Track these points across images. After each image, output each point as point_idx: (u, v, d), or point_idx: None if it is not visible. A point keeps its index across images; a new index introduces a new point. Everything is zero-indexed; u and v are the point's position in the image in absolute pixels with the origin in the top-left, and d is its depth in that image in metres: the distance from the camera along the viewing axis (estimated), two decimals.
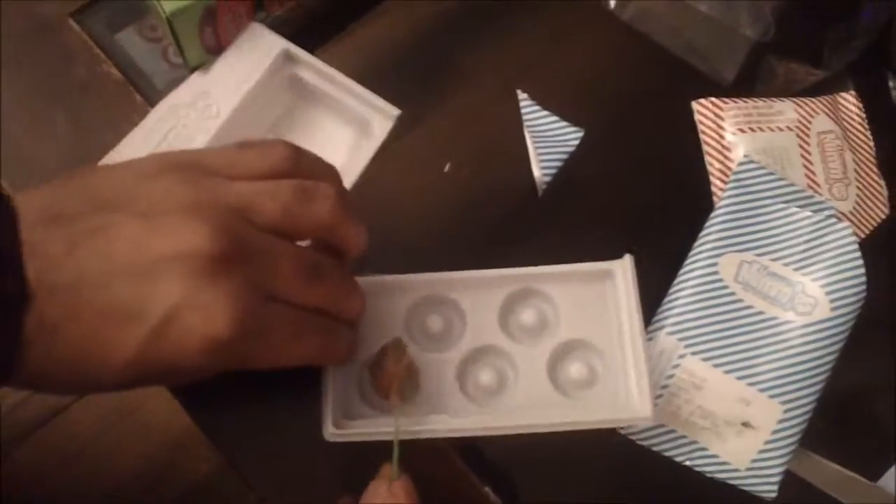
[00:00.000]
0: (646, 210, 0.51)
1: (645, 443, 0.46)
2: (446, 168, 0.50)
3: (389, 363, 0.42)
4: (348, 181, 0.46)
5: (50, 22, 0.50)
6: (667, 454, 0.46)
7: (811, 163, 0.53)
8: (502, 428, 0.41)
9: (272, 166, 0.36)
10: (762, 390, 0.46)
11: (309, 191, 0.35)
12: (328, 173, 0.38)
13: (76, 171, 0.34)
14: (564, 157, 0.51)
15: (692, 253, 0.49)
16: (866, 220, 0.53)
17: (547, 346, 0.44)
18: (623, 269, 0.44)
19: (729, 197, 0.50)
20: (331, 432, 0.40)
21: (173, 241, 0.31)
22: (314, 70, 0.46)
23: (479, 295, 0.44)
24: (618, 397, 0.43)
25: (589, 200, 0.51)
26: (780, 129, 0.53)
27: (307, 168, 0.37)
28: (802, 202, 0.50)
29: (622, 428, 0.45)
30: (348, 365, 0.42)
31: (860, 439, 0.48)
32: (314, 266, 0.36)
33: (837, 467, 0.47)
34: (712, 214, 0.50)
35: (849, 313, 0.47)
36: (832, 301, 0.47)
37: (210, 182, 0.34)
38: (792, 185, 0.50)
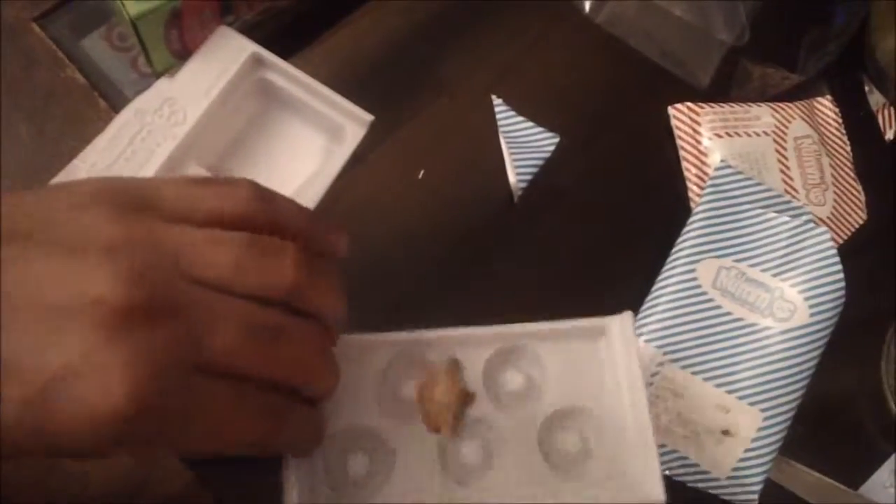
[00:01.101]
0: (623, 216, 0.50)
1: None
2: (420, 175, 0.49)
3: (440, 390, 0.36)
4: (320, 188, 0.44)
5: (12, 26, 0.49)
6: None
7: (788, 168, 0.52)
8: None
9: (231, 210, 0.30)
10: (742, 398, 0.45)
11: (269, 246, 0.29)
12: (302, 224, 0.32)
13: (2, 194, 0.28)
14: (540, 163, 0.50)
15: (670, 259, 0.48)
16: (844, 226, 0.52)
17: (537, 412, 0.38)
18: (621, 327, 0.38)
19: (706, 202, 0.49)
20: None
21: (82, 285, 0.26)
22: (285, 75, 0.45)
23: (460, 355, 0.38)
24: (620, 476, 0.37)
25: (565, 206, 0.50)
26: (757, 134, 0.53)
27: (275, 217, 0.31)
28: (780, 207, 0.49)
29: None
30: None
31: (841, 447, 0.48)
32: (270, 328, 0.29)
33: (818, 475, 0.46)
34: (690, 220, 0.49)
35: (827, 319, 0.47)
36: (811, 307, 0.47)
37: (147, 219, 0.28)
38: (769, 189, 0.50)
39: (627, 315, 0.38)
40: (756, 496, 0.45)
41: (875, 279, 0.52)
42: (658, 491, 0.36)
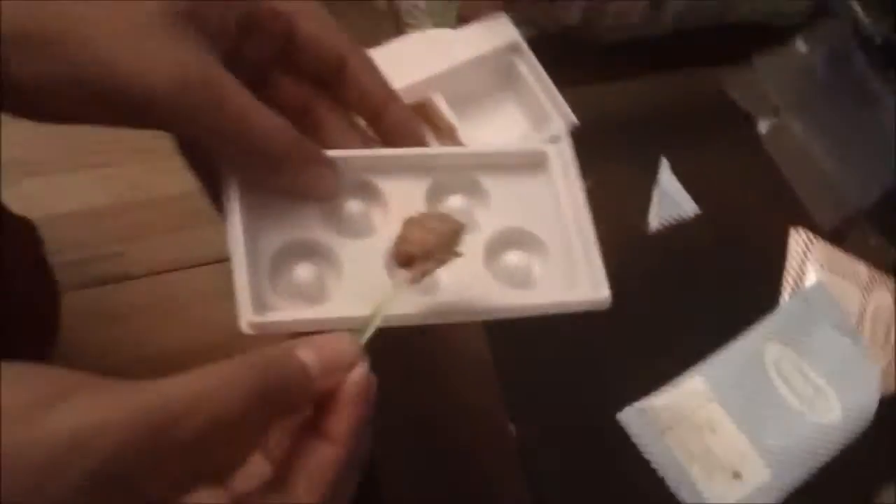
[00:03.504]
0: (727, 282, 0.61)
1: (650, 456, 0.54)
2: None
3: (432, 241, 0.35)
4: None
5: None
6: (661, 474, 0.54)
7: (864, 320, 0.62)
8: (455, 312, 0.37)
9: None
10: (760, 454, 0.54)
11: None
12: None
13: None
14: (674, 219, 0.62)
15: (750, 329, 0.58)
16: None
17: (482, 235, 0.39)
18: (560, 152, 0.41)
19: (793, 304, 0.60)
20: (249, 320, 0.34)
21: None
22: (529, 65, 0.58)
23: (401, 181, 0.39)
24: (569, 285, 0.40)
25: (676, 264, 0.61)
26: (851, 285, 0.63)
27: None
28: (848, 333, 0.59)
29: None
30: (258, 250, 0.36)
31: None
32: None
33: None
34: (777, 310, 0.59)
35: (853, 430, 0.56)
36: (844, 415, 0.56)
37: None
38: (847, 318, 0.60)
39: (564, 142, 0.41)
40: None
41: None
42: (604, 290, 0.38)
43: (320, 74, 0.39)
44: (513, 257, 0.40)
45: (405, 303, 0.36)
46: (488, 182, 0.41)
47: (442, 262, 0.36)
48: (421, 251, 0.35)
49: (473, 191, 0.41)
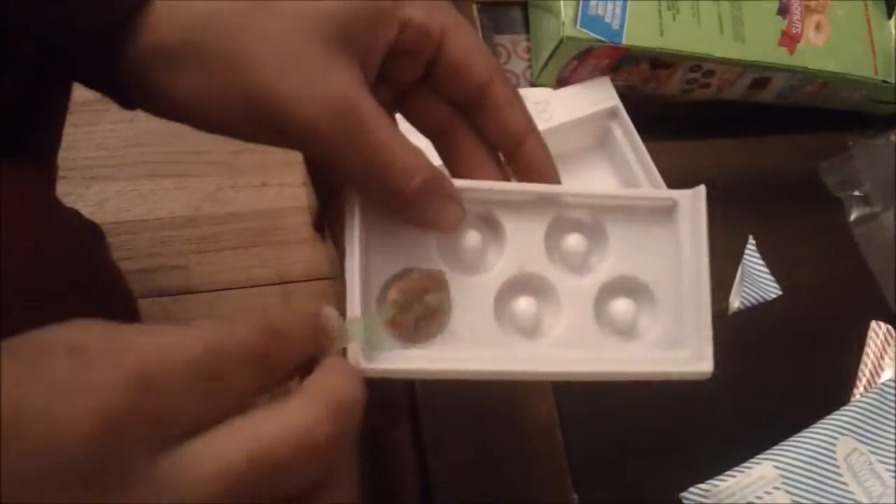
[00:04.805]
0: (801, 370, 0.60)
1: None
2: None
3: (407, 289, 0.36)
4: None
5: None
6: None
7: None
8: (542, 374, 0.38)
9: None
10: None
11: None
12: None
13: None
14: (756, 300, 0.61)
15: (823, 422, 0.57)
16: None
17: (596, 278, 0.39)
18: (693, 201, 0.39)
19: (867, 399, 0.59)
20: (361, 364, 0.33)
21: None
22: (626, 131, 0.58)
23: (523, 216, 0.38)
24: (672, 347, 0.38)
25: (765, 345, 0.60)
26: None
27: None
28: None
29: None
30: (370, 273, 0.36)
31: None
32: None
33: None
34: (851, 403, 0.58)
35: None
36: None
37: None
38: None
39: (700, 189, 0.38)
40: None
41: None
42: (707, 364, 0.37)
43: (462, 100, 0.38)
44: (620, 305, 0.39)
45: (502, 356, 0.36)
46: (611, 225, 0.39)
47: (422, 311, 0.36)
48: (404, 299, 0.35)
49: (594, 232, 0.40)
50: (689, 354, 0.38)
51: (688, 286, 0.38)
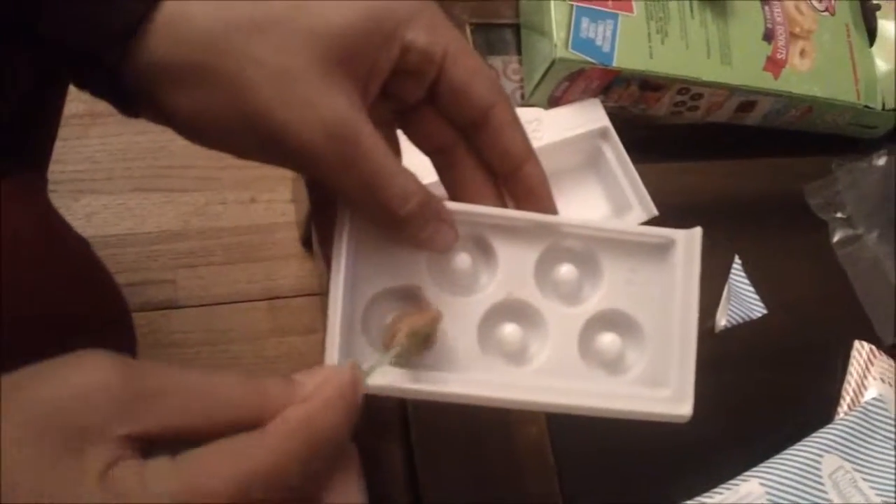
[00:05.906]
0: (786, 388, 0.61)
1: None
2: None
3: (409, 324, 0.36)
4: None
5: None
6: None
7: None
8: (522, 402, 0.37)
9: None
10: None
11: None
12: None
13: None
14: (747, 317, 0.62)
15: (808, 439, 0.58)
16: None
17: (584, 310, 0.39)
18: (688, 241, 0.39)
19: (853, 416, 0.60)
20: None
21: None
22: (615, 151, 0.59)
23: (516, 243, 0.39)
24: (653, 386, 0.39)
25: (751, 363, 0.61)
26: None
27: None
28: None
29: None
30: (357, 290, 0.37)
31: None
32: None
33: None
34: (835, 421, 0.59)
35: None
36: None
37: None
38: None
39: (697, 231, 0.39)
40: None
41: None
42: (687, 407, 0.37)
43: (464, 121, 0.39)
44: (606, 338, 0.39)
45: (491, 381, 0.37)
46: (604, 258, 0.40)
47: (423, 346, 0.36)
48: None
49: (587, 264, 0.40)
50: (671, 394, 0.38)
51: (676, 325, 0.39)
